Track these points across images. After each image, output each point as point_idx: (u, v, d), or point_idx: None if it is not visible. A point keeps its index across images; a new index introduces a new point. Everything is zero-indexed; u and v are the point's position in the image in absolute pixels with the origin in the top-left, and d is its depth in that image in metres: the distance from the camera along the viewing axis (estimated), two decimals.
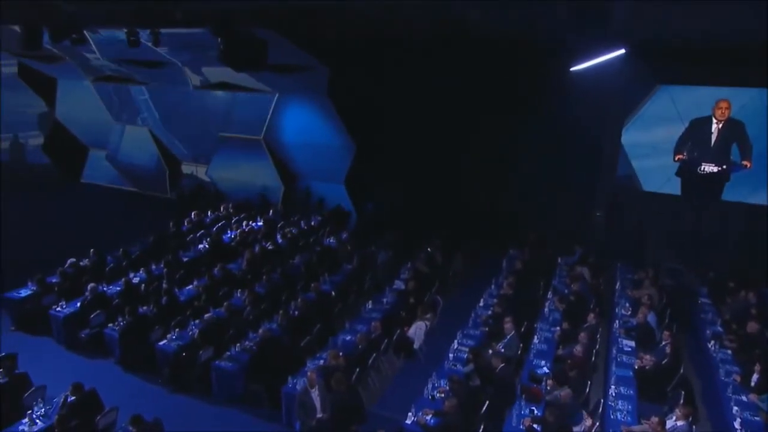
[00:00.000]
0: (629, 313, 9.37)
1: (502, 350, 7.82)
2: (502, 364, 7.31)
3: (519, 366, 7.90)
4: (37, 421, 6.48)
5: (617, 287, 10.63)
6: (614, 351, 8.17)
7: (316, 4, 8.80)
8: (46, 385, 7.23)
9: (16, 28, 12.30)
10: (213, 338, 8.40)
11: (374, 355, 8.08)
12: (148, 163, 18.38)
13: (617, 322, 9.14)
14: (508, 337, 8.10)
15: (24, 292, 9.82)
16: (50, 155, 20.04)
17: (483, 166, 13.67)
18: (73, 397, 6.69)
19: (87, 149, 19.61)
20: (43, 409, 6.63)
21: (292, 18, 10.35)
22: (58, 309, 9.38)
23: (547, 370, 7.52)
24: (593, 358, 7.95)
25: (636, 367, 7.61)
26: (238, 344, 8.28)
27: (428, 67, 12.75)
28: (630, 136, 12.33)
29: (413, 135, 14.02)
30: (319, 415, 6.76)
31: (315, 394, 6.84)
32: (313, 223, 14.26)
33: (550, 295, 10.18)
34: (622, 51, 7.69)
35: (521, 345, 8.28)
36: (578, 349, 7.58)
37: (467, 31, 10.02)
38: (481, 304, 9.84)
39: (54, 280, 10.15)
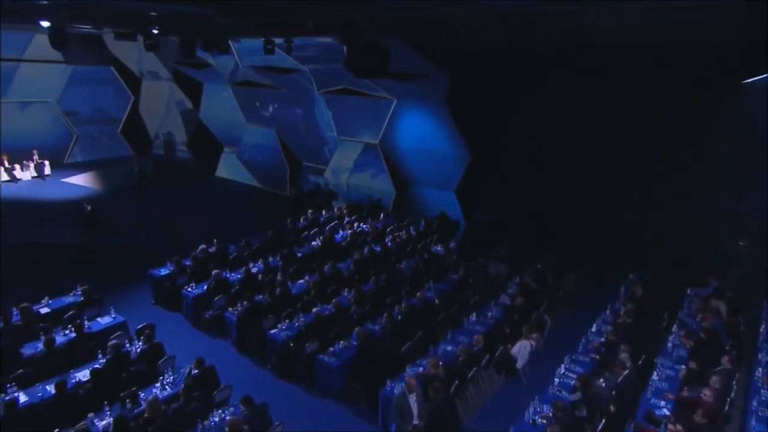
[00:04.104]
0: None
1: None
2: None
3: (634, 403, 7.21)
4: (167, 387, 7.27)
5: (762, 330, 9.27)
6: (755, 403, 7.12)
7: (440, 12, 8.87)
8: (176, 355, 8.09)
9: (175, 39, 14.02)
10: (319, 333, 8.78)
11: (475, 368, 7.89)
12: (272, 161, 19.82)
13: (760, 370, 7.96)
14: (624, 375, 7.39)
15: (164, 271, 11.06)
16: (192, 151, 22.49)
17: (606, 180, 12.77)
18: (196, 371, 7.39)
19: (222, 147, 21.66)
20: (172, 377, 7.42)
21: (416, 26, 10.53)
22: (189, 289, 10.43)
23: (667, 413, 6.78)
24: (726, 407, 7.00)
25: None
26: (342, 341, 8.56)
27: (551, 77, 12.26)
28: None
29: (531, 146, 13.53)
30: (415, 422, 6.76)
31: (413, 400, 6.84)
32: (421, 229, 14.33)
33: (675, 328, 9.18)
34: None
35: (638, 381, 7.56)
36: (707, 393, 6.73)
37: (599, 38, 9.48)
38: (594, 329, 9.18)
39: (187, 263, 11.30)
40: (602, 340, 8.61)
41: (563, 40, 9.97)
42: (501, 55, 12.19)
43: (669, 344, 8.64)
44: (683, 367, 7.81)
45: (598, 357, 8.17)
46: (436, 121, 14.94)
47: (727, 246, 11.43)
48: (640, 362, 7.91)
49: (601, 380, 7.37)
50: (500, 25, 9.40)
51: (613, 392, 7.08)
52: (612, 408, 6.80)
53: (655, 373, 7.77)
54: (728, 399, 7.11)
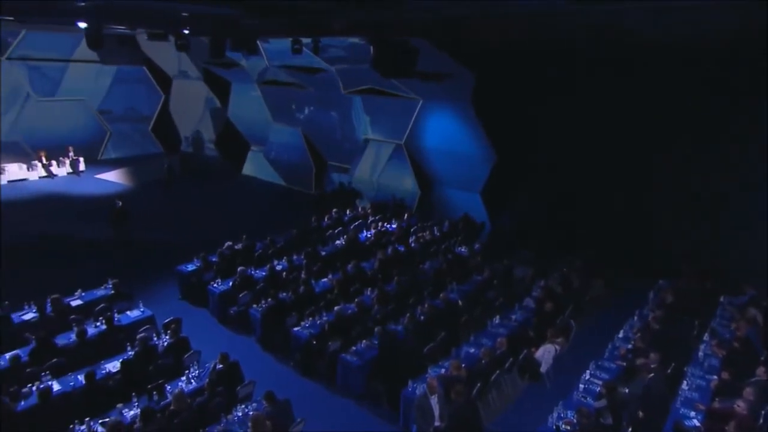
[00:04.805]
0: None
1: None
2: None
3: (662, 411, 7.03)
4: (192, 381, 7.41)
5: None
6: None
7: (466, 12, 8.80)
8: (201, 350, 8.23)
9: (205, 39, 14.27)
10: (341, 331, 8.82)
11: (497, 372, 7.81)
12: (298, 160, 19.99)
13: None
14: (649, 378, 7.23)
15: (191, 267, 11.26)
16: (219, 149, 22.87)
17: (636, 184, 12.47)
18: (220, 366, 7.51)
19: (249, 145, 21.95)
20: (197, 371, 7.56)
21: (443, 26, 10.48)
22: (215, 285, 10.59)
23: (698, 423, 6.59)
24: (761, 420, 6.76)
25: None
26: (364, 341, 8.58)
27: (578, 77, 12.05)
28: None
29: (558, 147, 13.32)
30: (436, 423, 6.73)
31: (434, 401, 6.82)
32: (445, 230, 14.25)
33: (706, 337, 8.91)
34: None
35: (665, 387, 7.36)
36: (740, 405, 6.50)
37: (627, 38, 9.28)
38: (621, 335, 8.98)
39: (214, 259, 11.47)
40: (629, 346, 8.41)
41: (591, 39, 9.80)
42: (527, 55, 12.04)
43: (700, 353, 8.39)
44: (715, 377, 7.58)
45: (624, 364, 7.99)
46: (462, 121, 14.84)
47: (764, 252, 11.03)
48: (669, 370, 7.70)
49: (626, 389, 7.21)
50: (526, 25, 9.29)
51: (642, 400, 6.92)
52: (641, 413, 6.64)
53: (685, 382, 7.55)
54: (763, 412, 6.87)
